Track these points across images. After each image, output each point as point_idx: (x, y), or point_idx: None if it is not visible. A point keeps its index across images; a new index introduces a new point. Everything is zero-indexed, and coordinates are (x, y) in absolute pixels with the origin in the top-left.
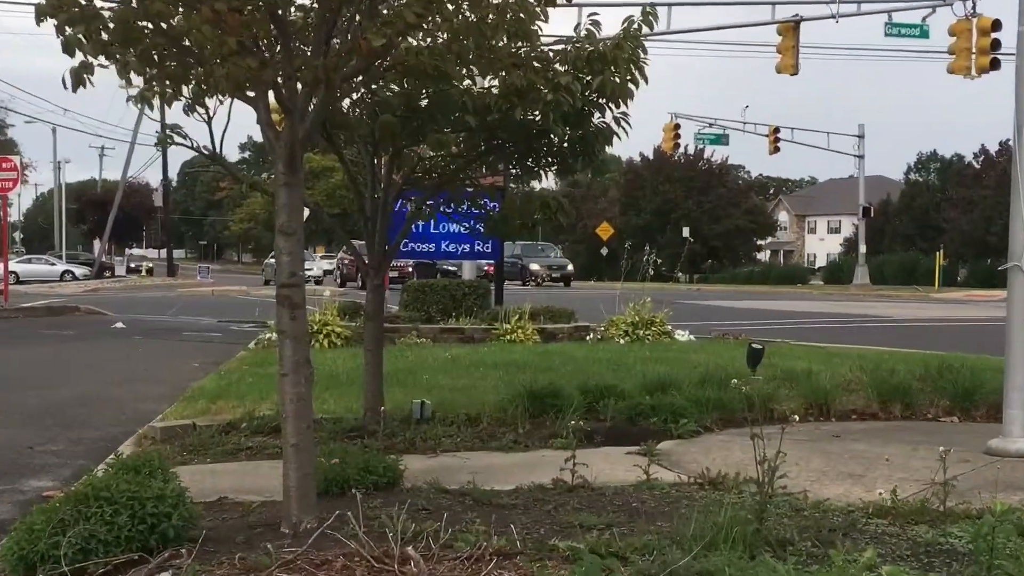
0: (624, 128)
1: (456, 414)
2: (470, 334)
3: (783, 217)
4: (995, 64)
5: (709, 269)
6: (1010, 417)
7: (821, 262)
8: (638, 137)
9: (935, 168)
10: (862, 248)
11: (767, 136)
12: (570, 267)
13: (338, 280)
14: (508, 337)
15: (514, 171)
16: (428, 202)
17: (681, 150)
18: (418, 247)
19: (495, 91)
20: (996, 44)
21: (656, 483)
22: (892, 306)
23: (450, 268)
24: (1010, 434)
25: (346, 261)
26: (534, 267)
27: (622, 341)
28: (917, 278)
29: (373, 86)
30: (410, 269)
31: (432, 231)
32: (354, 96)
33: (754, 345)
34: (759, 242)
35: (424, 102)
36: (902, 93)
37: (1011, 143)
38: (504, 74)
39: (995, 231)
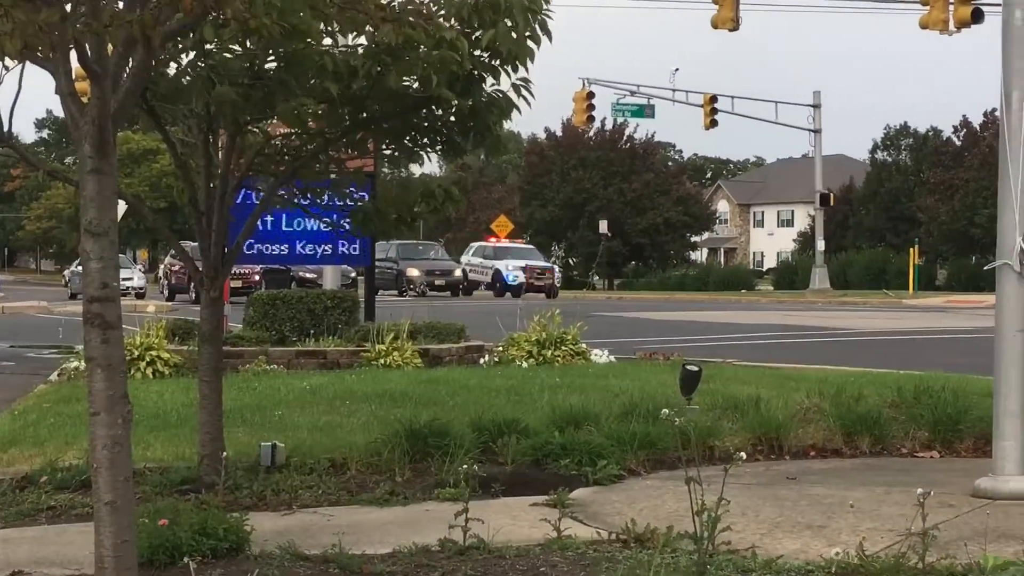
0: (525, 98)
1: (317, 459)
2: (334, 358)
3: (723, 207)
4: (977, 16)
5: (633, 272)
6: (1001, 451)
7: (770, 262)
8: (543, 109)
9: (907, 145)
10: (820, 245)
11: (702, 107)
12: (459, 272)
13: (165, 292)
14: (382, 361)
15: (388, 152)
16: (280, 192)
17: (597, 125)
18: (267, 249)
19: (362, 51)
20: None
21: (569, 541)
22: (858, 316)
23: (308, 275)
24: (1002, 471)
25: (175, 268)
26: (414, 273)
27: (525, 364)
28: (887, 280)
29: (208, 46)
30: (257, 277)
31: (285, 229)
32: (183, 59)
33: (689, 367)
34: (694, 238)
35: (272, 65)
36: (866, 54)
37: (998, 114)
38: (372, 30)
39: (980, 222)
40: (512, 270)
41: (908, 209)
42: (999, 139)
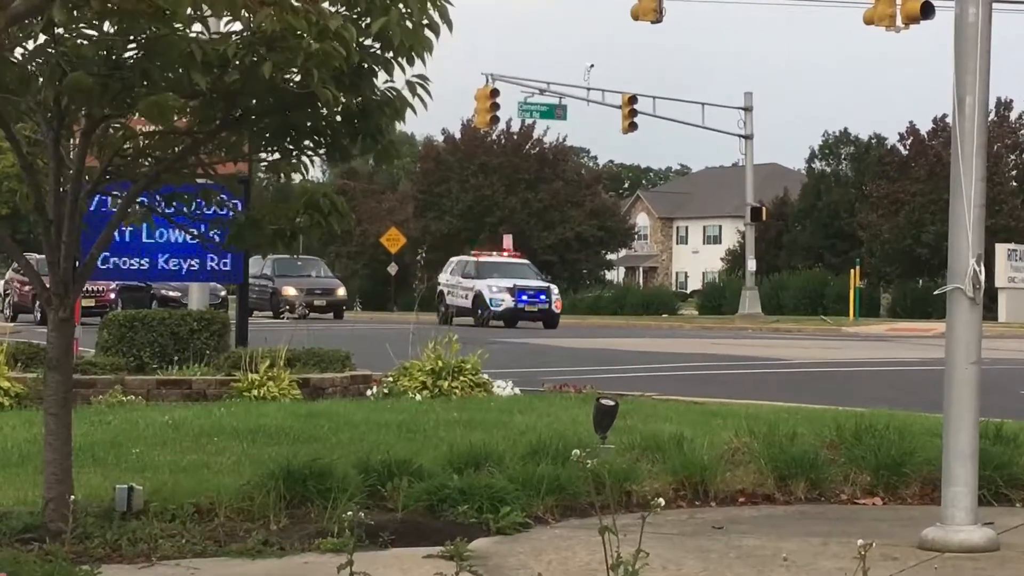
0: (421, 96)
1: (180, 504)
2: (201, 388)
3: (643, 221)
4: (927, 11)
5: None
6: (952, 497)
7: (695, 283)
8: (442, 109)
9: (848, 154)
10: (751, 264)
11: (620, 108)
12: (342, 291)
13: (7, 312)
14: (256, 392)
15: (266, 156)
16: (141, 199)
17: (501, 126)
18: (125, 264)
19: (235, 39)
20: None
21: None
22: (792, 344)
23: (171, 294)
24: (951, 520)
25: (18, 284)
26: (292, 292)
27: (419, 396)
28: (825, 305)
29: (58, 30)
30: (112, 295)
31: (146, 241)
32: (29, 45)
33: (603, 401)
34: (609, 256)
35: (133, 53)
36: (805, 53)
37: (949, 120)
38: (248, 15)
39: (928, 241)
40: (497, 292)
41: (848, 225)
42: (951, 149)
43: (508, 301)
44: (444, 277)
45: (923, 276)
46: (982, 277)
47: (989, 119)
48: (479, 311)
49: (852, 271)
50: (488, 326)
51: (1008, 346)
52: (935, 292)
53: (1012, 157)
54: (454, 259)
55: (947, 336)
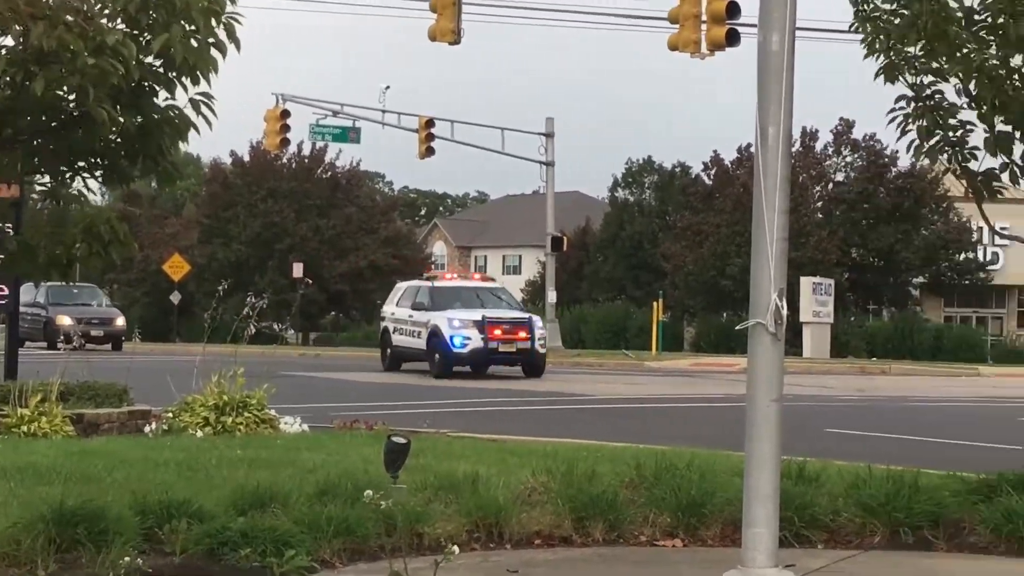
0: (206, 116)
1: None
2: None
3: (440, 250)
4: (733, 37)
5: (332, 325)
6: (752, 539)
7: None
8: (231, 130)
9: (651, 183)
10: (551, 296)
11: (417, 132)
12: (121, 321)
13: None
14: (26, 428)
15: (43, 178)
16: None
17: (292, 149)
18: None
19: (4, 53)
20: (734, 8)
21: None
22: (593, 379)
23: None
24: (752, 563)
25: None
26: (67, 321)
27: (201, 433)
28: (627, 339)
29: None
30: None
31: None
32: None
33: (396, 439)
34: None
35: None
36: (609, 78)
37: (753, 150)
38: (20, 28)
39: (732, 273)
40: (460, 327)
41: (652, 256)
42: (754, 180)
43: (475, 339)
44: (389, 310)
45: (727, 309)
46: (784, 312)
47: (794, 149)
48: (436, 355)
49: (655, 303)
50: (452, 375)
51: (812, 382)
52: (737, 327)
53: (818, 188)
54: (402, 285)
55: (748, 372)
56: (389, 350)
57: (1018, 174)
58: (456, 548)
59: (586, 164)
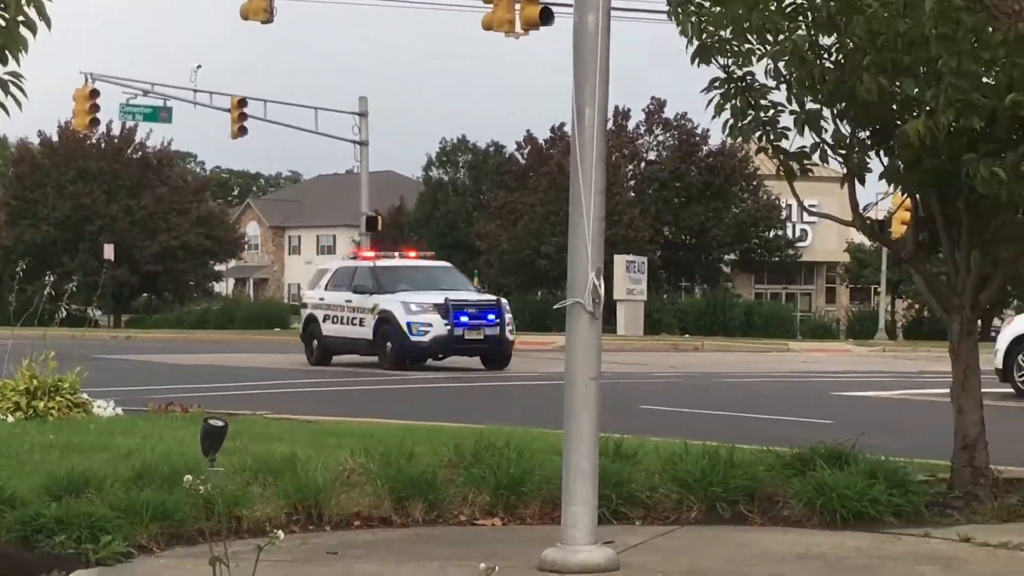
0: (15, 95)
1: None
2: None
3: (253, 230)
4: (547, 16)
5: (144, 307)
6: (572, 516)
7: None
8: (39, 110)
9: (466, 162)
10: None
11: (229, 111)
12: None
13: None
14: None
15: None
16: None
17: (102, 129)
18: None
19: None
20: None
21: None
22: None
23: None
24: (571, 540)
25: None
26: None
27: (12, 418)
28: None
29: None
30: None
31: None
32: None
33: (212, 422)
34: (218, 267)
35: None
36: (423, 57)
37: (568, 129)
38: None
39: (548, 252)
40: (418, 311)
41: (467, 235)
42: (571, 160)
43: (438, 326)
44: (316, 294)
45: (543, 288)
46: (602, 291)
47: (608, 128)
48: (387, 345)
49: (471, 282)
50: (406, 368)
51: (627, 359)
52: (555, 307)
53: (631, 167)
54: (330, 265)
55: (567, 351)
56: (316, 341)
57: (828, 153)
58: (280, 533)
59: (401, 143)
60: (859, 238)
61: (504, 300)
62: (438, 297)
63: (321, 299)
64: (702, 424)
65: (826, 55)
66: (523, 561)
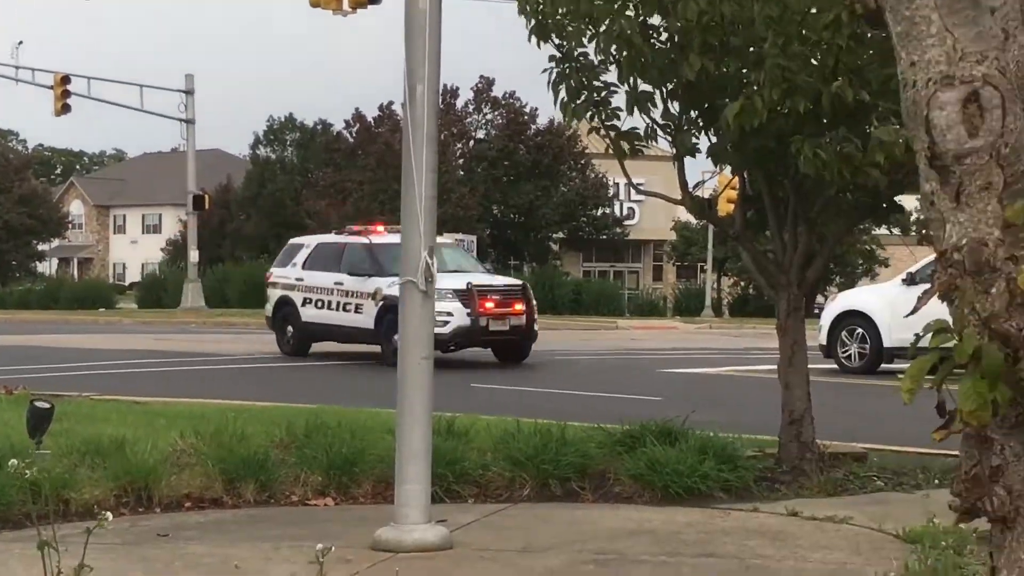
0: None
1: None
2: None
3: (77, 209)
4: None
5: None
6: (405, 495)
7: (134, 275)
8: None
9: (294, 140)
10: (193, 255)
11: (52, 89)
12: None
13: None
14: None
15: None
16: None
17: None
18: None
19: None
20: None
21: None
22: (239, 339)
23: None
24: (405, 519)
25: None
26: None
27: None
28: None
29: None
30: None
31: None
32: None
33: (38, 404)
34: (41, 247)
35: None
36: (250, 34)
37: (399, 107)
38: None
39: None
40: (437, 300)
41: (296, 214)
42: (403, 139)
43: (459, 315)
44: (288, 273)
45: None
46: (435, 269)
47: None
48: (394, 336)
49: (480, 263)
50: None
51: None
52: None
53: (459, 146)
54: (306, 240)
55: (400, 331)
56: (292, 328)
57: (658, 132)
58: (109, 515)
59: (228, 122)
60: (686, 216)
61: (528, 285)
62: (458, 281)
63: (299, 279)
64: (534, 402)
65: (655, 36)
66: (357, 541)
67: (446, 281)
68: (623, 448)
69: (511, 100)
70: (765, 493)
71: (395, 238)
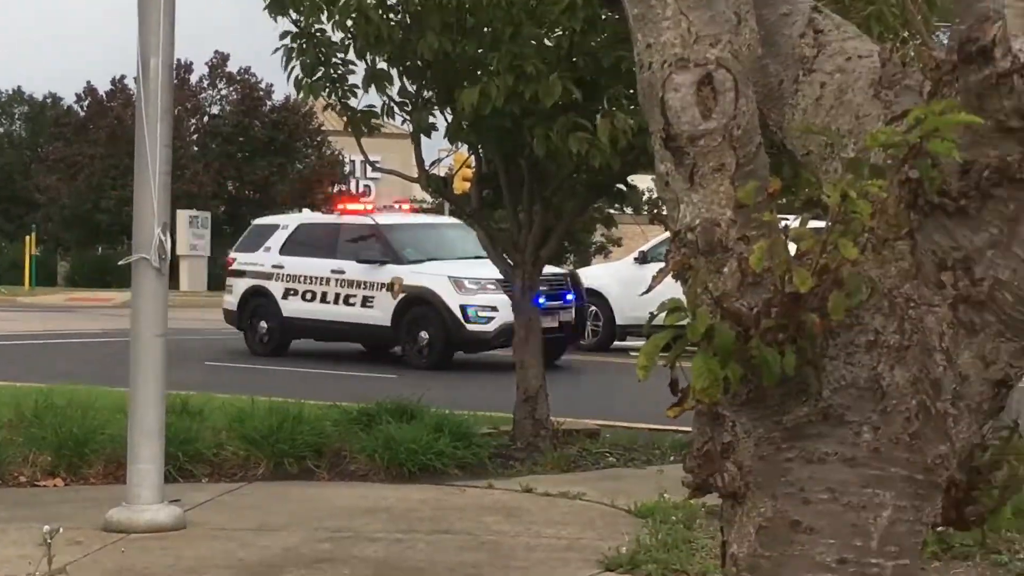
0: None
1: None
2: None
3: None
4: None
5: None
6: (138, 475)
7: None
8: None
9: (22, 114)
10: None
11: None
12: None
13: None
14: None
15: None
16: None
17: None
18: None
19: None
20: None
21: None
22: None
23: None
24: (138, 499)
25: None
26: None
27: None
28: (0, 275)
29: None
30: None
31: None
32: None
33: None
34: None
35: None
36: None
37: (129, 81)
38: None
39: (108, 207)
40: (475, 291)
41: (24, 189)
42: (136, 113)
43: (505, 310)
44: (260, 259)
45: (103, 243)
46: (168, 246)
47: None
48: (424, 334)
49: (28, 238)
50: (450, 368)
51: (191, 315)
52: (120, 263)
53: (193, 121)
54: (282, 220)
55: (132, 308)
56: (266, 324)
57: (395, 110)
58: None
59: None
60: (421, 194)
61: (577, 272)
62: (491, 275)
63: (276, 266)
64: (272, 380)
65: (393, 14)
66: (87, 522)
67: (483, 269)
68: (359, 426)
69: (246, 76)
70: (500, 470)
71: (405, 217)
